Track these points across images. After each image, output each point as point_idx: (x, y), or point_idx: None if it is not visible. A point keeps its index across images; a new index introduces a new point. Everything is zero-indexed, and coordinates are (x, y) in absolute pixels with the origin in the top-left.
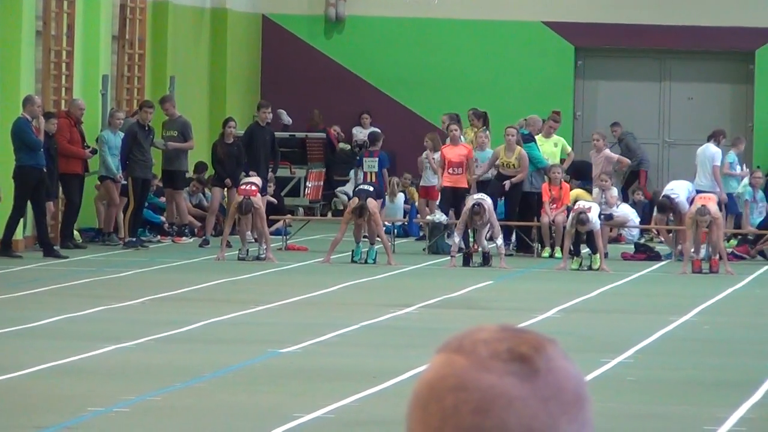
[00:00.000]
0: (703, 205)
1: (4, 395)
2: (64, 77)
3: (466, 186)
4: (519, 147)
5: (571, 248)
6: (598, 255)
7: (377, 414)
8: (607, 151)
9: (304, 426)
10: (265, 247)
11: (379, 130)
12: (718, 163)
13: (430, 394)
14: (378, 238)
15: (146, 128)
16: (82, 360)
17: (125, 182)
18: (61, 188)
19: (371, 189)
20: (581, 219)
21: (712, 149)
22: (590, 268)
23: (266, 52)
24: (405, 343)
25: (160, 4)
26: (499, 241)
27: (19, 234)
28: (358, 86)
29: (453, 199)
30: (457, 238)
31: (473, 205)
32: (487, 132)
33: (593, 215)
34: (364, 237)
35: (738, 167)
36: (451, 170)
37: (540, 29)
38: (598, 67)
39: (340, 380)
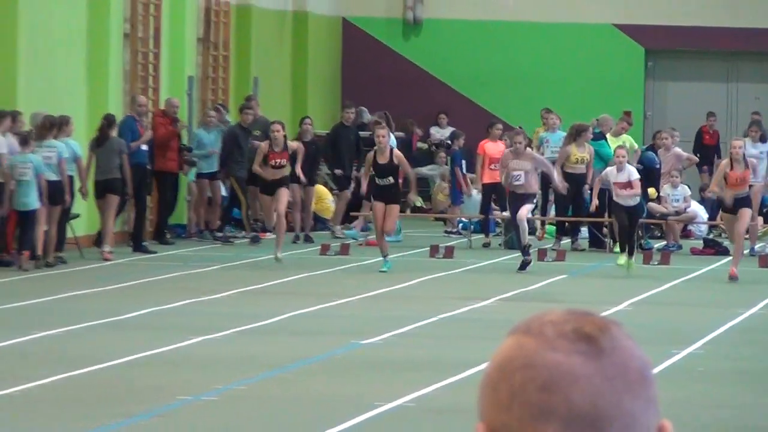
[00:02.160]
0: None
1: (96, 385)
2: (151, 78)
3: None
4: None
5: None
6: (628, 258)
7: (456, 402)
8: (677, 149)
9: (384, 414)
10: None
11: (458, 130)
12: None
13: (500, 375)
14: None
15: (245, 129)
16: (170, 351)
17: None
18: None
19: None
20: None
21: None
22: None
23: (346, 53)
24: (482, 335)
25: (243, 8)
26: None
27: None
28: (434, 87)
29: (493, 194)
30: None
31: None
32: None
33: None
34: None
35: None
36: (492, 166)
37: (611, 32)
38: (668, 68)
39: (419, 370)
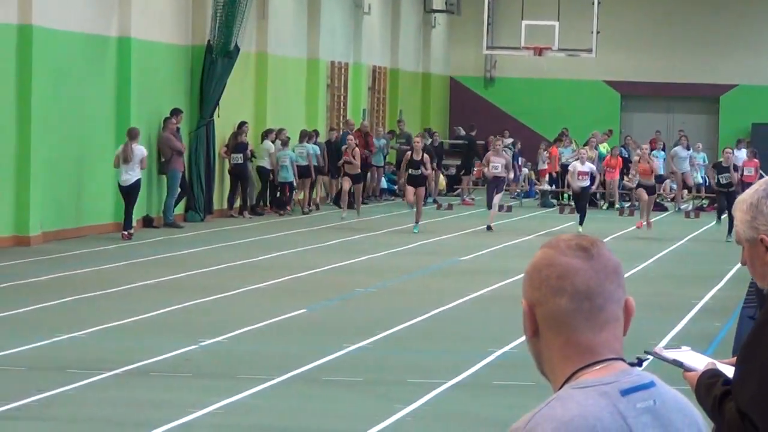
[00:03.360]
0: None
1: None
2: (342, 109)
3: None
4: None
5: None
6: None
7: None
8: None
9: None
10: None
11: (515, 139)
12: None
13: (534, 270)
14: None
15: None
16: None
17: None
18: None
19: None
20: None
21: None
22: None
23: (452, 96)
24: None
25: (394, 70)
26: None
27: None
28: (501, 115)
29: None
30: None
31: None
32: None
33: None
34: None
35: None
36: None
37: (601, 85)
38: (633, 105)
39: None
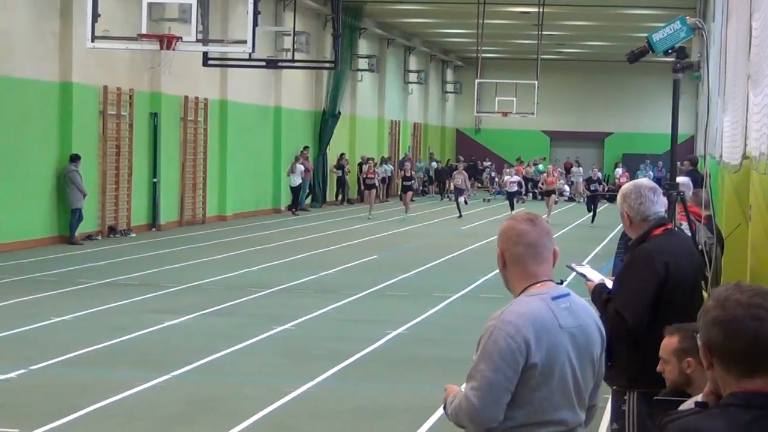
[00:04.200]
0: None
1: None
2: (397, 147)
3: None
4: None
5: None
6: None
7: None
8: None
9: None
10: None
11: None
12: None
13: (503, 231)
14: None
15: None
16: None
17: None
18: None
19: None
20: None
21: None
22: None
23: (458, 139)
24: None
25: (425, 124)
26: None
27: None
28: (485, 150)
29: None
30: None
31: None
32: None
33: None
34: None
35: None
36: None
37: (538, 134)
38: (560, 144)
39: None
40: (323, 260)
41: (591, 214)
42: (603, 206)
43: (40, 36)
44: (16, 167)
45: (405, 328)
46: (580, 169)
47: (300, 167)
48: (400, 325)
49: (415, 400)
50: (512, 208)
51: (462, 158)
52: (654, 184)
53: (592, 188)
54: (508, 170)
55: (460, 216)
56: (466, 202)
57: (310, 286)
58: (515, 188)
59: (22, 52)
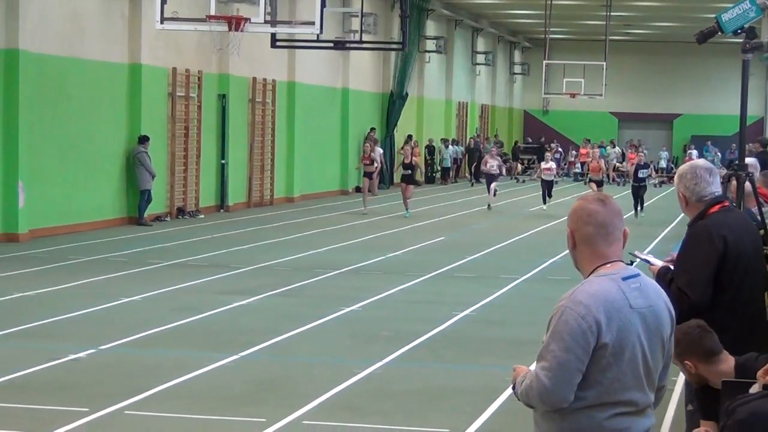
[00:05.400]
0: None
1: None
2: (464, 129)
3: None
4: None
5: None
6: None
7: None
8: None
9: None
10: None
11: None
12: None
13: (574, 212)
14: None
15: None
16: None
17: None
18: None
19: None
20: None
21: None
22: None
23: (525, 120)
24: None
25: (492, 106)
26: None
27: None
28: (553, 132)
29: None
30: None
31: None
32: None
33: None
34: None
35: None
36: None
37: (606, 115)
38: (628, 125)
39: None
40: (391, 242)
41: (634, 206)
42: (658, 195)
43: (110, 18)
44: (86, 149)
45: (472, 310)
46: (616, 149)
47: (378, 151)
48: (467, 306)
49: (482, 381)
50: (545, 200)
51: (499, 139)
52: (710, 165)
53: (640, 174)
54: (574, 151)
55: (489, 207)
56: (495, 193)
57: (378, 268)
58: (551, 176)
59: (92, 34)
